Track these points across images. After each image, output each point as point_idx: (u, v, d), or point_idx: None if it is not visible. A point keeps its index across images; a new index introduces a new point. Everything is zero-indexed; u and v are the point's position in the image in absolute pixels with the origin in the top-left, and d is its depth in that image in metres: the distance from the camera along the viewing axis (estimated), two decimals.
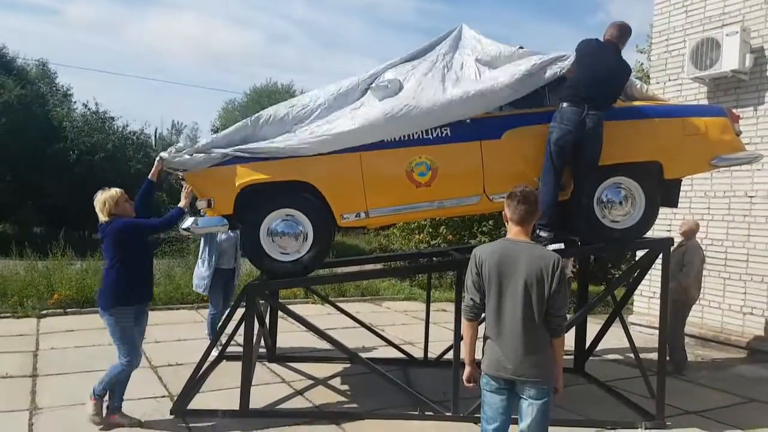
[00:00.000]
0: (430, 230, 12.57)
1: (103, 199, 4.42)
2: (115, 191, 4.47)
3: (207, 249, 6.55)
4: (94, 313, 8.59)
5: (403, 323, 8.98)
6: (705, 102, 7.87)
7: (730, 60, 7.31)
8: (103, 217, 4.43)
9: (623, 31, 4.75)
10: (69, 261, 10.07)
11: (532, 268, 3.07)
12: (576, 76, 4.59)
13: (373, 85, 4.86)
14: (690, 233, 6.75)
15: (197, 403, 4.86)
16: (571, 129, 4.48)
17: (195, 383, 4.99)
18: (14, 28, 57.53)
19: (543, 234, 4.63)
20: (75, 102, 22.54)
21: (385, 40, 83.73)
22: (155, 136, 32.15)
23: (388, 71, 4.99)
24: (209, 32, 78.48)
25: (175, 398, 4.99)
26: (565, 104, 4.55)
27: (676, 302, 6.62)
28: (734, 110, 5.93)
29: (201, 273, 6.58)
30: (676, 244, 6.60)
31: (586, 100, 4.49)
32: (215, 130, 23.23)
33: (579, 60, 4.63)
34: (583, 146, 4.53)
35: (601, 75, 4.56)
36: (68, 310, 8.62)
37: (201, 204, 4.65)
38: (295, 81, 79.45)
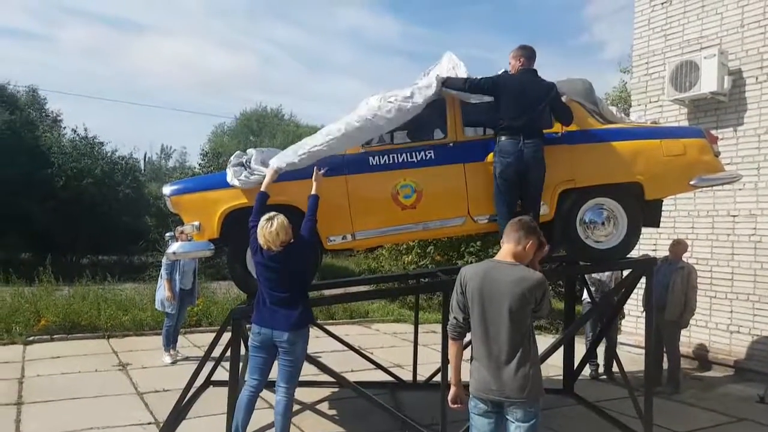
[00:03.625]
0: (418, 251, 12.59)
1: (276, 231, 4.14)
2: (284, 218, 4.19)
3: (171, 271, 7.40)
4: (81, 339, 8.58)
5: (392, 345, 8.96)
6: (686, 123, 8.02)
7: (708, 82, 7.46)
8: (275, 248, 4.17)
9: (530, 53, 4.78)
10: (56, 287, 9.98)
11: (516, 290, 3.10)
12: (504, 112, 4.64)
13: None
14: (683, 254, 6.84)
15: (183, 429, 4.81)
16: (512, 161, 4.55)
17: (181, 409, 4.93)
18: (4, 55, 57.89)
19: None
20: (65, 128, 22.56)
21: (371, 62, 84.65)
22: (144, 161, 32.17)
23: None
24: (201, 57, 78.98)
25: (161, 425, 4.93)
26: (502, 138, 4.63)
27: (676, 323, 6.67)
28: (714, 131, 6.05)
29: (167, 295, 7.41)
30: (676, 265, 6.69)
31: (521, 130, 4.57)
32: (204, 154, 23.23)
33: (503, 96, 4.65)
34: (527, 174, 4.59)
35: (527, 105, 4.60)
36: (55, 336, 8.53)
37: (188, 229, 4.65)
38: (285, 105, 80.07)
